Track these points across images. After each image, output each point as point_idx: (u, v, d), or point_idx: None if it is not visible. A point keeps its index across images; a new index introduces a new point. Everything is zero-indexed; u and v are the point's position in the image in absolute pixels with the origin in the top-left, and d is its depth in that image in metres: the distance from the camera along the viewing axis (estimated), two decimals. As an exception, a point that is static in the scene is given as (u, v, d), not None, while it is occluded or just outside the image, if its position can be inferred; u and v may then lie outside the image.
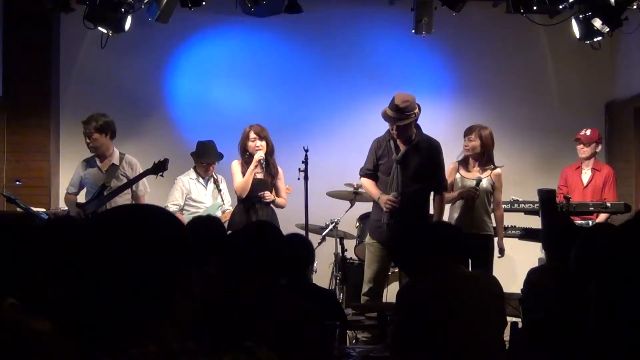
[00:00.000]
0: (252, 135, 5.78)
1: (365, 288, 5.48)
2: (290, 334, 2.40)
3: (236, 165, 5.86)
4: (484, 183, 5.69)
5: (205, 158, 6.41)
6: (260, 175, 5.81)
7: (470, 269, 5.42)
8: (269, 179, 5.84)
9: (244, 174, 5.76)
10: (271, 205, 5.87)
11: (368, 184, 5.58)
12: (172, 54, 7.60)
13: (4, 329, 1.76)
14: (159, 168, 5.86)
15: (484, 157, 5.79)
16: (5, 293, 1.90)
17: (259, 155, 5.71)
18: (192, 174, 6.47)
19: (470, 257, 5.44)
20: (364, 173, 5.59)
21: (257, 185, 5.76)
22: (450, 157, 6.68)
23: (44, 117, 7.22)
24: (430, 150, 5.52)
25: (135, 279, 1.27)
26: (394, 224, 5.33)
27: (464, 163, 5.85)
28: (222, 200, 6.45)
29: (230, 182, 6.15)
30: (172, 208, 6.25)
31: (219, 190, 6.48)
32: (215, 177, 6.52)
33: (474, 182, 5.66)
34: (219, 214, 6.26)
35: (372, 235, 5.53)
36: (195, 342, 1.29)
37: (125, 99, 7.43)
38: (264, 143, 5.76)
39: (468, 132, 5.85)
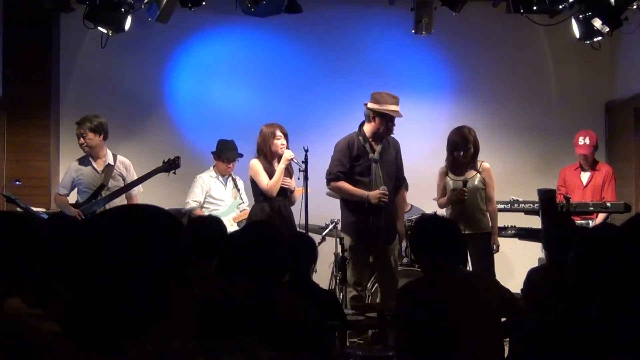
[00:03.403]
0: (278, 133, 5.73)
1: (352, 292, 5.44)
2: (290, 333, 2.40)
3: (258, 164, 5.75)
4: (473, 182, 5.64)
5: (226, 154, 6.51)
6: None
7: (471, 268, 5.45)
8: (288, 177, 5.85)
9: (267, 171, 5.73)
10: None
11: (347, 186, 5.47)
12: (172, 54, 7.60)
13: (8, 329, 1.76)
14: (170, 166, 5.94)
15: (474, 156, 5.73)
16: (7, 293, 1.90)
17: (290, 154, 5.67)
18: (212, 172, 6.62)
19: (467, 256, 5.45)
20: (337, 177, 5.48)
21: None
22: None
23: (44, 117, 7.23)
24: (396, 147, 5.66)
25: (135, 279, 1.27)
26: (383, 223, 5.40)
27: (450, 166, 5.78)
28: (242, 199, 6.56)
29: (247, 181, 6.12)
30: (192, 204, 6.44)
31: (238, 190, 6.61)
32: (233, 177, 6.64)
33: (461, 184, 5.63)
34: (238, 212, 6.48)
35: (358, 237, 5.45)
36: (195, 342, 1.29)
37: (125, 99, 7.44)
38: (286, 143, 5.77)
39: (463, 144, 5.61)
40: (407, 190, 6.77)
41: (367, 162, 5.47)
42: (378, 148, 5.51)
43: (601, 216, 6.19)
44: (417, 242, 3.37)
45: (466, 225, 5.52)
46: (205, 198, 6.52)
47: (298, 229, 5.60)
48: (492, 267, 5.65)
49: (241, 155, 6.61)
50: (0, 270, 1.97)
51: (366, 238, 5.45)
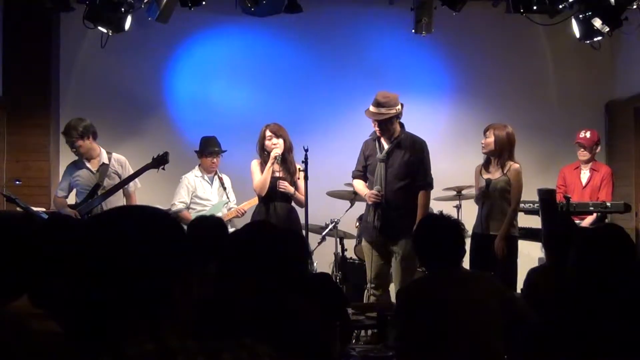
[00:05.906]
0: (267, 133, 5.77)
1: (370, 290, 5.50)
2: (290, 332, 2.40)
3: (255, 165, 5.85)
4: (498, 184, 5.54)
5: (210, 148, 6.42)
6: (279, 174, 5.80)
7: (491, 271, 5.39)
8: (288, 177, 5.84)
9: (262, 172, 5.76)
10: (292, 204, 5.86)
11: (358, 185, 5.65)
12: (172, 54, 7.61)
13: (8, 329, 1.76)
14: (159, 162, 5.89)
15: (500, 156, 5.61)
16: (7, 294, 1.90)
17: (275, 152, 5.71)
18: (197, 171, 6.50)
19: (485, 257, 5.41)
20: (355, 175, 5.68)
21: (276, 184, 5.76)
22: (450, 157, 6.69)
23: (44, 117, 7.24)
24: (414, 148, 5.47)
25: (135, 279, 1.27)
26: (381, 223, 5.36)
27: (485, 163, 5.72)
28: (228, 198, 6.49)
29: (236, 180, 6.16)
30: (179, 206, 6.31)
31: (224, 188, 6.52)
32: (219, 175, 6.56)
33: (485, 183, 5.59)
34: (225, 211, 6.36)
35: (364, 236, 5.58)
36: (195, 341, 1.29)
37: (125, 99, 7.44)
38: (280, 141, 5.76)
39: (485, 130, 5.70)
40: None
41: (375, 161, 5.49)
42: (386, 148, 5.48)
43: (592, 217, 6.17)
44: (419, 241, 3.37)
45: (489, 226, 5.50)
46: (191, 199, 6.38)
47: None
48: (514, 271, 5.48)
49: (224, 150, 6.54)
50: (0, 270, 1.97)
51: (368, 237, 5.50)
